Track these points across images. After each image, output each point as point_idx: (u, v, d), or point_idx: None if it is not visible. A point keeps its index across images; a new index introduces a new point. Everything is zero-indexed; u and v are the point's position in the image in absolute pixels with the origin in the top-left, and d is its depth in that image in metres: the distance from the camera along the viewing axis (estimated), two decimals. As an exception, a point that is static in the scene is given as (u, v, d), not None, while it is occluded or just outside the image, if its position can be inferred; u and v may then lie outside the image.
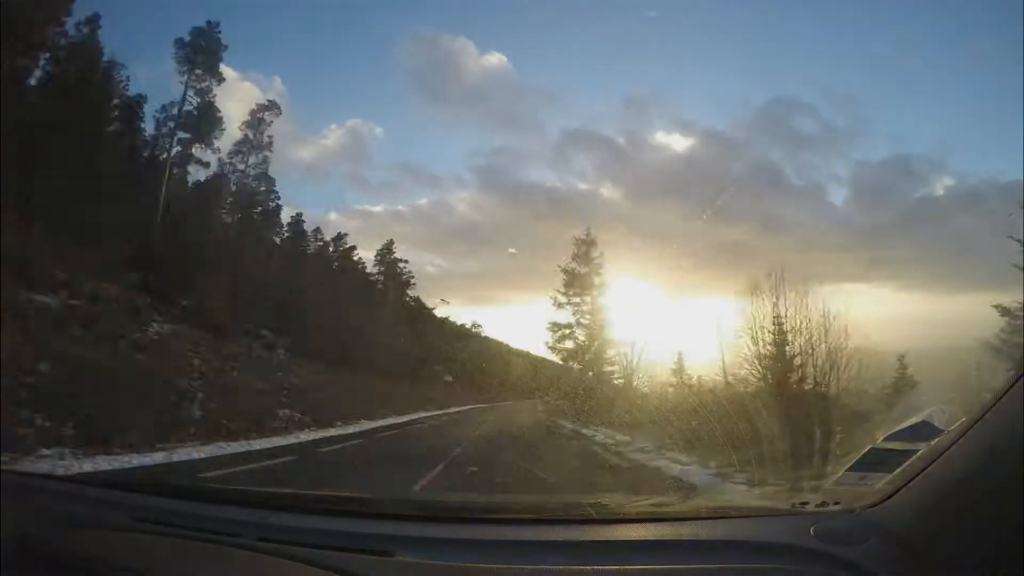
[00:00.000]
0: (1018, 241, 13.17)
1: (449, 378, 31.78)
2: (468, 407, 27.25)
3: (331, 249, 30.76)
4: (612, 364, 21.17)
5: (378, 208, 37.20)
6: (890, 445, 1.77)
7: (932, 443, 1.24)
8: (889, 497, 1.24)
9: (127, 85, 22.38)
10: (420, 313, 32.44)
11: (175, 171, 22.92)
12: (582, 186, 33.89)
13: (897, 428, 1.92)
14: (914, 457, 1.25)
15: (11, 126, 14.28)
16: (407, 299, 32.48)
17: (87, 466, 7.66)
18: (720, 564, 1.20)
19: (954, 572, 1.04)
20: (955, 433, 1.15)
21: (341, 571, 1.20)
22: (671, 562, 1.22)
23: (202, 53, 22.58)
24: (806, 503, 1.48)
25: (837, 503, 1.43)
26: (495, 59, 35.78)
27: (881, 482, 1.35)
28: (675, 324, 19.73)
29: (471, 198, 38.47)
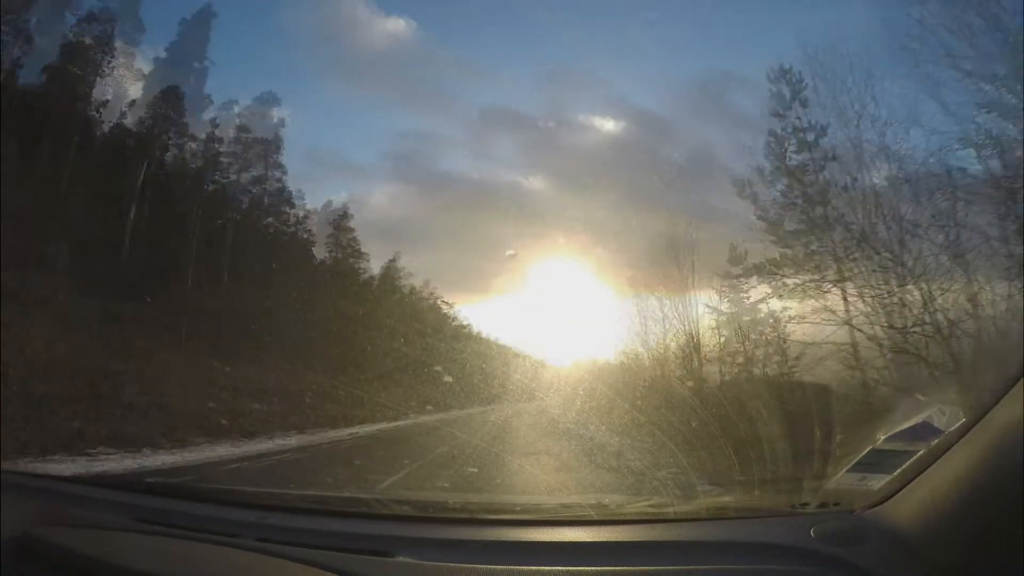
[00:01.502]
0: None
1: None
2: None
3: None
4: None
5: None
6: (890, 446, 1.76)
7: (932, 444, 1.24)
8: (889, 498, 1.25)
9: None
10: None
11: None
12: (506, 174, 31.63)
13: (897, 429, 1.92)
14: (914, 458, 1.25)
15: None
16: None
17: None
18: (721, 565, 1.20)
19: (954, 573, 1.04)
20: (955, 434, 1.15)
21: (341, 572, 1.20)
22: (672, 563, 1.22)
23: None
24: (806, 504, 1.48)
25: (837, 504, 1.43)
26: (399, 24, 32.97)
27: (881, 483, 1.35)
28: (612, 322, 19.51)
29: (389, 190, 35.78)
